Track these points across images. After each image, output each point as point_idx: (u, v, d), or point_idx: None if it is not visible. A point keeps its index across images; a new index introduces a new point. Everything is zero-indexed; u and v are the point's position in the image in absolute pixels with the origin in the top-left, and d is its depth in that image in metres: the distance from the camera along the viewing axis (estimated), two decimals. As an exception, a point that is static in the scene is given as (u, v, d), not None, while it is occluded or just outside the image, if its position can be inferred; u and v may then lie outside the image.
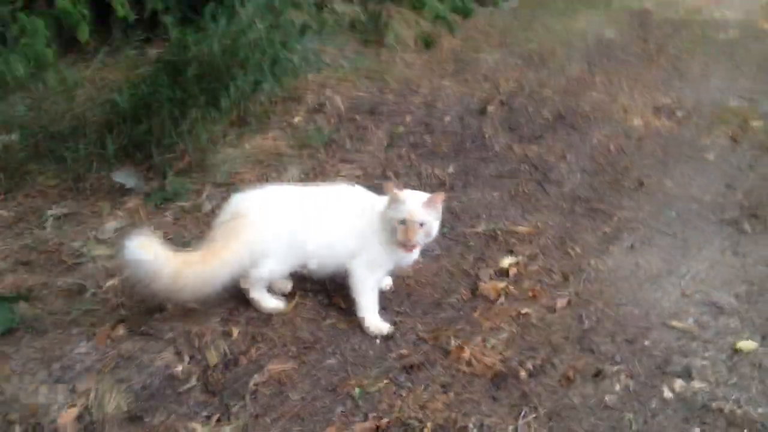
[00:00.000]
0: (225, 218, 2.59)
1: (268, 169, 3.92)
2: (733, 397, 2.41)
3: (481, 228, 3.51)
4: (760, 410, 2.34)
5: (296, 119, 4.54)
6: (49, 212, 3.18)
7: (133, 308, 2.64)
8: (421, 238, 2.53)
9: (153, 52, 4.59)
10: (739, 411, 2.33)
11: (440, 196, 2.51)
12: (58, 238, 3.02)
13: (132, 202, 3.41)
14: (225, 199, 3.52)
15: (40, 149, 3.55)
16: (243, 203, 2.62)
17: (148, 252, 2.32)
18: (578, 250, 3.41)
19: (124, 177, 3.51)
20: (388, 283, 2.89)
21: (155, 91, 3.61)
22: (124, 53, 4.51)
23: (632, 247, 3.49)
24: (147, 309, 2.65)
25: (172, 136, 3.61)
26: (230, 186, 3.65)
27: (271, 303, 2.68)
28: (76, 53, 4.58)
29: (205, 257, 2.44)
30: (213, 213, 3.44)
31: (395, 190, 2.50)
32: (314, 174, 4.01)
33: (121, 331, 2.49)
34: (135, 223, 3.30)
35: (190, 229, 3.30)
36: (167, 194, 3.51)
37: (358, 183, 3.54)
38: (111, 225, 3.17)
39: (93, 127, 3.66)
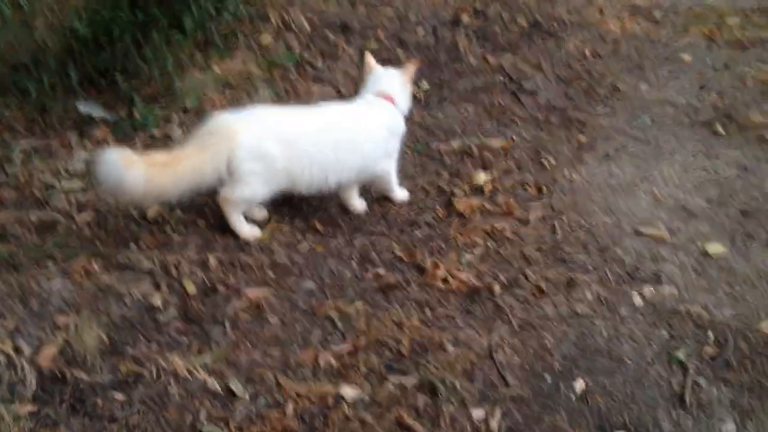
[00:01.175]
0: (202, 133, 2.57)
1: (239, 92, 3.85)
2: (701, 300, 2.47)
3: (456, 144, 3.50)
4: (725, 312, 2.41)
5: (265, 39, 4.41)
6: (16, 146, 3.12)
7: (107, 240, 2.64)
8: None
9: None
10: (705, 314, 2.40)
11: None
12: (28, 172, 2.97)
13: (99, 132, 3.35)
14: (195, 125, 3.47)
15: (2, 81, 3.45)
16: (226, 121, 2.58)
17: (119, 158, 2.35)
18: (552, 161, 3.42)
19: (90, 107, 3.43)
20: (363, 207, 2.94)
21: (115, 16, 3.48)
22: (82, -25, 4.30)
23: (606, 155, 3.50)
24: (122, 241, 2.65)
25: (136, 62, 3.51)
26: (200, 112, 3.59)
27: (246, 228, 2.68)
28: (30, -22, 4.38)
29: (165, 164, 2.44)
30: (180, 141, 3.39)
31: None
32: (287, 95, 3.93)
33: (96, 263, 2.49)
34: (105, 154, 3.25)
35: (162, 158, 3.25)
36: (135, 122, 3.45)
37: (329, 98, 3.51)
38: (80, 156, 3.12)
39: (55, 56, 3.54)
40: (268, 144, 2.54)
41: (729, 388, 2.10)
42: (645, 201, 3.10)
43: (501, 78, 4.31)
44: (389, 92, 2.87)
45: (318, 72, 4.16)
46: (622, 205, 3.06)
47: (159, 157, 2.49)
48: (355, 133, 2.74)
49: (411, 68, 3.00)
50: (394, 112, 2.87)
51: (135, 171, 2.36)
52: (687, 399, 2.05)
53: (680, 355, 2.21)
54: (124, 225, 2.74)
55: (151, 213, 2.82)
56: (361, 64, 4.14)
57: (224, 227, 2.70)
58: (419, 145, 3.49)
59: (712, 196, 3.12)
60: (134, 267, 2.50)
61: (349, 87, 4.03)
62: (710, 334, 2.31)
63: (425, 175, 3.22)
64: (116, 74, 3.51)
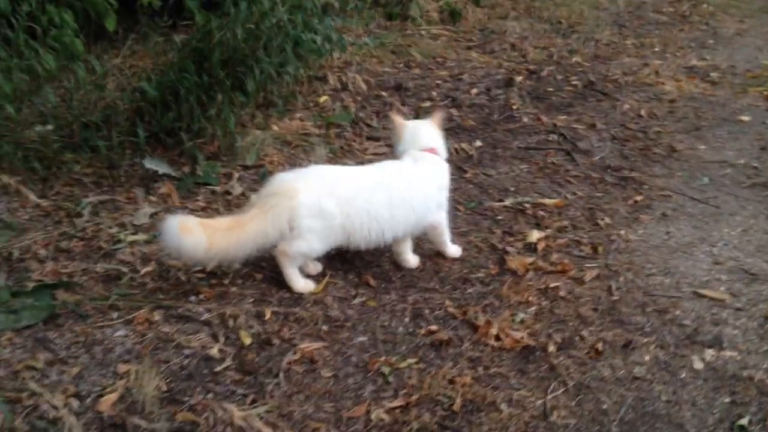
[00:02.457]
0: (264, 193, 2.70)
1: (296, 150, 3.97)
2: (765, 366, 2.39)
3: (509, 202, 3.52)
4: (792, 381, 2.32)
5: (322, 99, 4.56)
6: (85, 200, 3.27)
7: (169, 292, 2.72)
8: None
9: (180, 37, 4.64)
10: (770, 380, 2.32)
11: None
12: (95, 225, 3.10)
13: (164, 188, 3.48)
14: (255, 181, 3.60)
15: (75, 139, 3.64)
16: (286, 181, 2.72)
17: (178, 226, 2.49)
18: (608, 220, 3.40)
19: (155, 163, 3.58)
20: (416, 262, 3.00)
21: (182, 78, 3.66)
22: (152, 40, 4.56)
23: (663, 215, 3.46)
24: (183, 292, 2.72)
25: (201, 121, 3.67)
26: (259, 168, 3.71)
27: (301, 282, 2.75)
28: (104, 42, 4.66)
29: (230, 229, 2.57)
30: (243, 195, 3.51)
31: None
32: (342, 153, 4.03)
33: (158, 314, 2.57)
34: (168, 208, 3.38)
35: (221, 212, 3.36)
36: (198, 179, 3.58)
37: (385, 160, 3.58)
38: (145, 211, 3.25)
39: (124, 115, 3.74)
40: (327, 201, 2.64)
41: (797, 459, 2.01)
42: (704, 262, 3.04)
43: (555, 137, 4.34)
44: (430, 144, 2.95)
45: (372, 130, 4.25)
46: (680, 266, 3.01)
47: (222, 221, 2.65)
48: (407, 190, 2.80)
49: (438, 115, 3.07)
50: (440, 163, 2.95)
51: (195, 238, 2.49)
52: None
53: (743, 422, 2.14)
54: (185, 277, 2.81)
55: (211, 266, 2.90)
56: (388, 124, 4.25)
57: (280, 281, 2.75)
58: (472, 202, 3.52)
59: (775, 259, 3.04)
60: (193, 318, 2.57)
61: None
62: (775, 401, 2.22)
63: (478, 233, 3.24)
64: (181, 133, 3.67)
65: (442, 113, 3.09)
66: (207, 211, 3.40)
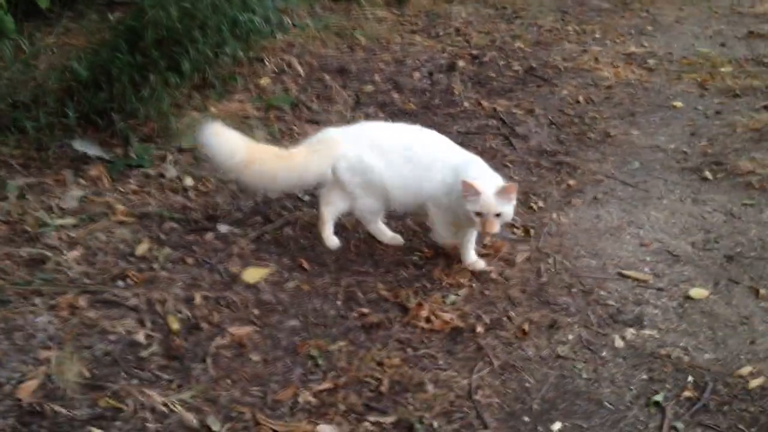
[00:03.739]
0: (312, 141, 2.88)
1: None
2: (681, 344, 2.48)
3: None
4: (706, 356, 2.41)
5: (263, 81, 4.51)
6: (12, 183, 3.17)
7: (96, 277, 2.67)
8: (498, 227, 2.60)
9: (115, 16, 4.53)
10: (686, 357, 2.40)
11: (514, 187, 2.55)
12: (22, 208, 3.02)
13: (95, 170, 3.41)
14: (191, 164, 3.54)
15: (2, 119, 3.53)
16: (333, 133, 2.87)
17: (222, 137, 2.73)
18: (541, 204, 3.46)
19: (86, 145, 3.50)
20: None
21: (115, 57, 3.58)
22: (87, 18, 4.44)
23: (594, 199, 3.54)
24: (111, 277, 2.68)
25: (133, 102, 3.59)
26: (194, 152, 3.65)
27: (388, 235, 2.97)
28: (38, 20, 4.51)
29: (278, 155, 2.80)
30: (179, 179, 3.46)
31: (468, 181, 2.52)
32: (282, 135, 4.00)
33: (83, 299, 2.52)
34: (98, 191, 3.31)
35: (154, 196, 3.31)
36: (130, 161, 3.51)
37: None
38: (74, 194, 3.17)
39: (54, 95, 3.63)
40: (366, 155, 2.75)
41: (706, 432, 2.09)
42: (631, 244, 3.12)
43: (494, 122, 4.39)
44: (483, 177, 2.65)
45: (313, 114, 4.23)
46: (608, 248, 3.08)
47: (267, 147, 2.90)
48: (430, 162, 2.77)
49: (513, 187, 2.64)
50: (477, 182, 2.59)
51: (233, 145, 2.73)
52: (664, 443, 2.05)
53: (659, 398, 2.21)
54: (113, 261, 2.77)
55: (140, 250, 2.86)
56: (356, 109, 4.25)
57: (212, 266, 2.74)
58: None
59: (698, 241, 3.14)
60: (120, 303, 2.53)
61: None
62: (690, 378, 2.31)
63: (413, 215, 3.25)
64: (113, 114, 3.59)
65: (515, 187, 2.62)
66: (139, 194, 3.34)
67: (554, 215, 3.35)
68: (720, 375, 2.32)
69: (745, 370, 2.34)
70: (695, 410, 2.18)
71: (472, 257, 2.85)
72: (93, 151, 3.49)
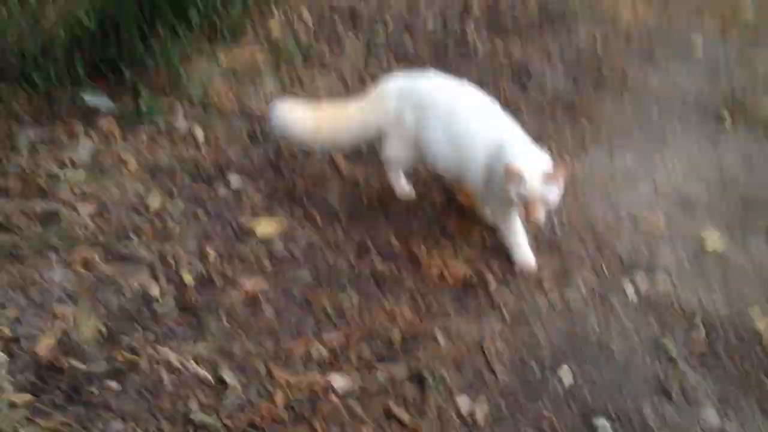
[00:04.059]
0: (374, 90, 2.81)
1: (244, 83, 3.88)
2: (694, 291, 2.47)
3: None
4: (717, 304, 2.42)
5: (272, 28, 4.43)
6: (24, 136, 3.18)
7: (109, 231, 2.69)
8: (544, 214, 2.38)
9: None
10: (697, 305, 2.41)
11: (562, 170, 2.31)
12: (34, 162, 3.03)
13: (106, 123, 3.40)
14: (198, 117, 3.53)
15: (11, 72, 3.51)
16: (388, 82, 2.78)
17: (293, 113, 2.73)
18: (556, 152, 3.41)
19: (96, 98, 3.48)
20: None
21: (122, 8, 3.52)
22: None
23: (610, 144, 3.48)
24: (123, 231, 2.70)
25: (142, 53, 3.55)
26: (206, 105, 3.63)
27: (399, 189, 2.90)
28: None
29: (338, 115, 2.76)
30: (186, 132, 3.45)
31: (511, 166, 2.29)
32: (291, 85, 3.96)
33: (97, 254, 2.54)
34: (110, 144, 3.31)
35: (166, 148, 3.31)
36: (141, 114, 3.49)
37: (337, 94, 3.54)
38: (85, 147, 3.18)
39: (62, 47, 3.60)
40: (407, 112, 2.64)
41: (714, 379, 2.11)
42: (645, 191, 3.08)
43: (509, 68, 4.29)
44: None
45: (324, 62, 4.16)
46: (622, 195, 3.05)
47: (331, 109, 2.81)
48: (471, 143, 2.54)
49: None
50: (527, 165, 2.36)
51: (303, 117, 2.72)
52: (672, 389, 2.06)
53: (668, 345, 2.21)
54: (126, 216, 2.78)
55: (153, 204, 2.87)
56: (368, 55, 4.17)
57: (225, 218, 2.74)
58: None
59: (714, 186, 3.10)
60: (134, 258, 2.55)
61: (354, 77, 4.04)
62: (701, 326, 2.30)
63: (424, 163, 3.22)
64: (122, 66, 3.56)
65: (564, 171, 2.38)
66: (150, 147, 3.33)
67: (567, 159, 3.30)
68: (730, 322, 2.32)
69: (756, 317, 2.33)
70: (704, 357, 2.17)
71: (522, 253, 2.57)
72: (103, 103, 3.47)
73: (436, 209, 2.93)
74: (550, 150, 3.25)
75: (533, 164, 2.31)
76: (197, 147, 3.35)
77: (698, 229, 2.80)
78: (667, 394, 2.05)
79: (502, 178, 2.31)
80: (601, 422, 1.97)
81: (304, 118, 2.73)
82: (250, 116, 3.64)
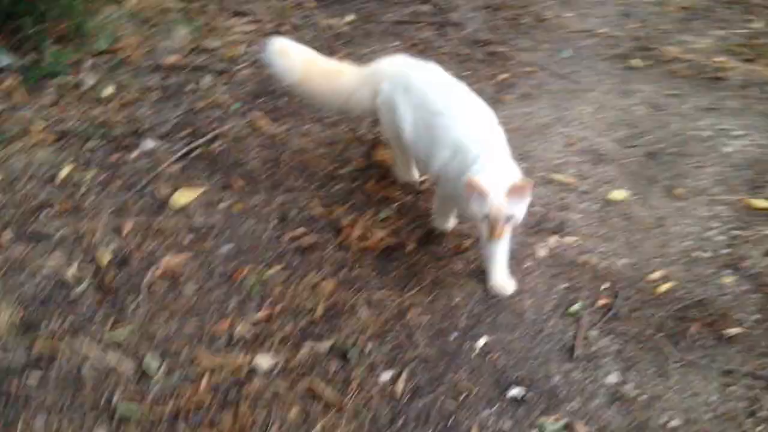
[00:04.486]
0: (370, 65, 2.74)
1: (154, 32, 3.72)
2: (600, 250, 2.60)
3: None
4: (621, 262, 2.55)
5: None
6: None
7: (20, 206, 2.61)
8: (508, 231, 2.20)
9: None
10: (603, 263, 2.53)
11: (528, 185, 2.10)
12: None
13: (9, 81, 3.23)
14: (106, 71, 3.37)
15: None
16: (384, 63, 2.71)
17: (287, 55, 2.72)
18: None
19: (-5, 54, 3.28)
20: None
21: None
22: None
23: (526, 94, 3.55)
24: (35, 206, 2.62)
25: (44, 1, 3.34)
26: (112, 55, 3.48)
27: (402, 175, 2.85)
28: None
29: (328, 75, 2.71)
30: (95, 89, 3.31)
31: (474, 179, 2.08)
32: (206, 32, 3.82)
33: (8, 234, 2.47)
34: (14, 105, 3.16)
35: (74, 108, 3.19)
36: (45, 69, 3.32)
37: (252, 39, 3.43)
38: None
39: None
40: (399, 98, 2.54)
41: (616, 339, 2.25)
42: (558, 144, 3.17)
43: (427, 7, 4.25)
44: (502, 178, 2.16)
45: (238, 4, 4.02)
46: (536, 149, 3.13)
47: (324, 66, 2.76)
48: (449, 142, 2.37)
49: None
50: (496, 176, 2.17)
51: (290, 64, 2.70)
52: (577, 351, 2.21)
53: (576, 307, 2.35)
54: (36, 188, 2.70)
55: (63, 174, 2.79)
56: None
57: (141, 188, 2.69)
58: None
59: (622, 137, 3.21)
60: (46, 237, 2.50)
61: (270, 21, 3.93)
62: (605, 285, 2.44)
63: (347, 121, 3.22)
64: (23, 15, 3.34)
65: (530, 185, 2.16)
66: (57, 107, 3.20)
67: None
68: (632, 281, 2.46)
69: (656, 274, 2.48)
70: (608, 317, 2.32)
71: (498, 278, 2.42)
72: (4, 60, 3.28)
73: (357, 170, 2.95)
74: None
75: (499, 179, 2.10)
76: (107, 105, 3.24)
77: (606, 183, 2.91)
78: (574, 357, 2.20)
79: (463, 190, 2.13)
80: (514, 390, 2.10)
81: (297, 62, 2.71)
82: (162, 68, 3.52)
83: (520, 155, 3.07)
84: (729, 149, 3.11)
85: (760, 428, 1.97)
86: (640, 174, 2.99)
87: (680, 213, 2.76)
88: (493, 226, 2.11)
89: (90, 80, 3.35)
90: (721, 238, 2.63)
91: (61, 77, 3.33)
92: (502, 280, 2.42)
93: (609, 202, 2.83)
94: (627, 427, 2.00)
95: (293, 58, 2.72)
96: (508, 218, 2.11)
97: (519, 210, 2.13)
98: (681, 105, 3.45)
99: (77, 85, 3.32)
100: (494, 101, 3.43)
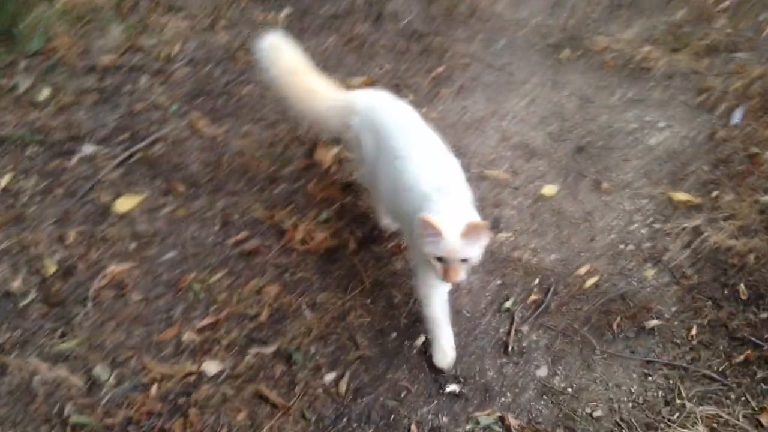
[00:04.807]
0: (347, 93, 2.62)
1: (87, 30, 3.68)
2: (532, 246, 2.74)
3: (315, 83, 3.52)
4: (551, 257, 2.70)
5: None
6: None
7: (-41, 218, 2.60)
8: (464, 275, 2.09)
9: None
10: (534, 259, 2.68)
11: (483, 226, 1.98)
12: None
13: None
14: (41, 74, 3.33)
15: None
16: (359, 95, 2.59)
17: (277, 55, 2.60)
18: (412, 96, 3.54)
19: None
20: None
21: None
22: None
23: (462, 87, 3.64)
24: (-25, 217, 2.62)
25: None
26: (46, 56, 3.44)
27: (378, 217, 2.76)
28: None
29: (305, 91, 2.60)
30: (30, 92, 3.28)
31: (427, 217, 1.96)
32: (140, 28, 3.79)
33: (-51, 247, 2.48)
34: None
35: (11, 112, 3.16)
36: (-25, 73, 3.27)
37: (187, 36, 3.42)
38: None
39: None
40: (365, 136, 2.44)
41: (546, 333, 2.41)
42: (493, 138, 3.29)
43: (362, 1, 4.30)
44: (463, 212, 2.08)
45: (174, 3, 4.00)
46: (472, 144, 3.24)
47: (304, 76, 2.62)
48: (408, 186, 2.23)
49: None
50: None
51: (277, 66, 2.59)
52: (509, 346, 2.35)
53: (508, 304, 2.50)
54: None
55: (4, 182, 2.79)
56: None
57: (83, 197, 2.71)
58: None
59: (553, 131, 3.35)
60: (-10, 249, 2.50)
61: (204, 18, 3.92)
62: (536, 280, 2.59)
63: (286, 122, 3.27)
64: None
65: (485, 226, 2.03)
66: (-8, 112, 3.16)
67: (423, 110, 3.44)
68: (561, 276, 2.61)
69: (583, 269, 2.64)
70: (538, 313, 2.47)
71: (440, 348, 2.30)
72: (-69, 65, 3.22)
73: (299, 172, 3.01)
74: (407, 97, 3.40)
75: (454, 217, 1.99)
76: (45, 109, 3.22)
77: (538, 178, 3.04)
78: (507, 353, 2.35)
79: (417, 228, 2.00)
80: (452, 386, 2.24)
81: (282, 68, 2.60)
82: (97, 69, 3.50)
83: (457, 151, 3.18)
84: (652, 141, 3.27)
85: (675, 416, 2.15)
86: (569, 168, 3.14)
87: (606, 207, 2.92)
88: (447, 267, 2.01)
89: (25, 83, 3.32)
90: (644, 231, 2.80)
91: (-6, 80, 3.28)
92: (445, 350, 2.30)
93: (540, 198, 2.96)
94: (555, 418, 2.15)
95: (280, 63, 2.60)
96: (464, 260, 2.02)
97: (475, 251, 2.02)
98: (609, 97, 3.60)
99: (12, 88, 3.28)
100: (431, 96, 3.54)
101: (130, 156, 2.98)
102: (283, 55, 2.61)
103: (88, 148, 3.00)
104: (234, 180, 2.94)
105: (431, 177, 2.16)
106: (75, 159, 2.94)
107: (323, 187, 2.93)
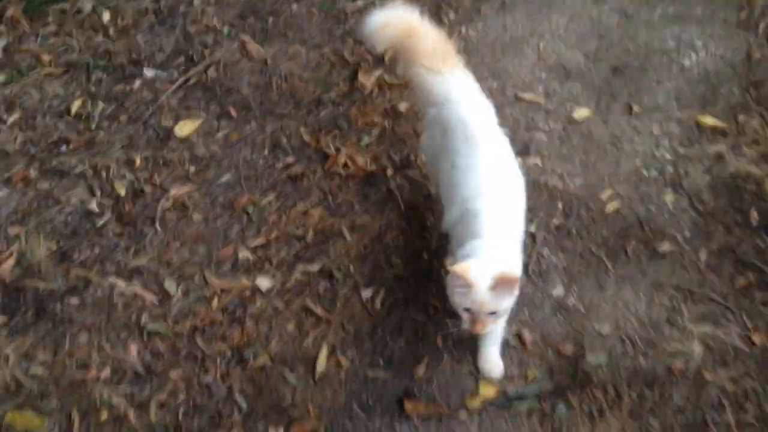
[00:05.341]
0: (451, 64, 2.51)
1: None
2: (559, 170, 2.90)
3: (361, 2, 3.62)
4: (576, 181, 2.85)
5: None
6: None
7: (39, 142, 2.92)
8: (491, 326, 2.05)
9: None
10: (560, 184, 2.85)
11: (514, 279, 1.95)
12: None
13: (11, 11, 3.41)
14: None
15: None
16: (453, 77, 2.49)
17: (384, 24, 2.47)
18: (452, 15, 3.61)
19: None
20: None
21: None
22: None
23: (503, 5, 3.68)
24: (53, 142, 2.93)
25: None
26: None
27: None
28: None
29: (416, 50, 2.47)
30: (95, 17, 3.49)
31: (457, 268, 1.92)
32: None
33: (33, 170, 2.80)
34: (19, 36, 3.37)
35: (76, 37, 3.39)
36: (42, -4, 3.48)
37: None
38: (-1, 44, 3.24)
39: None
40: (435, 128, 2.44)
41: (565, 256, 2.62)
42: (530, 59, 3.36)
43: None
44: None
45: None
46: (509, 66, 3.33)
47: (421, 39, 2.49)
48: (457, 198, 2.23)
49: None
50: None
51: (381, 37, 2.49)
52: (530, 268, 2.59)
53: (532, 228, 2.70)
54: (52, 123, 2.98)
55: (75, 107, 3.06)
56: None
57: (146, 122, 3.00)
58: (326, 2, 3.62)
59: (591, 51, 3.38)
60: (68, 172, 2.82)
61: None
62: (560, 204, 2.77)
63: (332, 42, 3.41)
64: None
65: (515, 278, 2.04)
66: (60, 36, 3.41)
67: (463, 29, 3.52)
68: (584, 200, 2.78)
69: (606, 193, 2.79)
70: (560, 236, 2.68)
71: (489, 358, 2.29)
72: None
73: (342, 93, 3.19)
74: (447, 16, 3.46)
75: (485, 267, 1.92)
76: (107, 33, 3.43)
77: (570, 101, 3.13)
78: (525, 271, 2.58)
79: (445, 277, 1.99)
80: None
81: (389, 37, 2.48)
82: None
83: (493, 73, 3.30)
84: (688, 63, 3.30)
85: (676, 334, 2.38)
86: (603, 90, 3.21)
87: (634, 131, 3.03)
88: (473, 319, 1.98)
89: (87, 6, 3.52)
90: (668, 156, 2.92)
91: (61, 5, 3.49)
92: (488, 363, 2.29)
93: (572, 121, 3.08)
94: (566, 333, 2.41)
95: (389, 34, 2.49)
96: (491, 313, 1.98)
97: (504, 305, 1.99)
98: (651, 12, 3.58)
99: (76, 12, 3.50)
100: (473, 14, 3.59)
101: (187, 80, 3.19)
102: (388, 26, 2.49)
103: (148, 72, 3.22)
104: (282, 103, 3.14)
105: (482, 204, 2.12)
106: (137, 83, 3.18)
107: (364, 112, 3.11)
